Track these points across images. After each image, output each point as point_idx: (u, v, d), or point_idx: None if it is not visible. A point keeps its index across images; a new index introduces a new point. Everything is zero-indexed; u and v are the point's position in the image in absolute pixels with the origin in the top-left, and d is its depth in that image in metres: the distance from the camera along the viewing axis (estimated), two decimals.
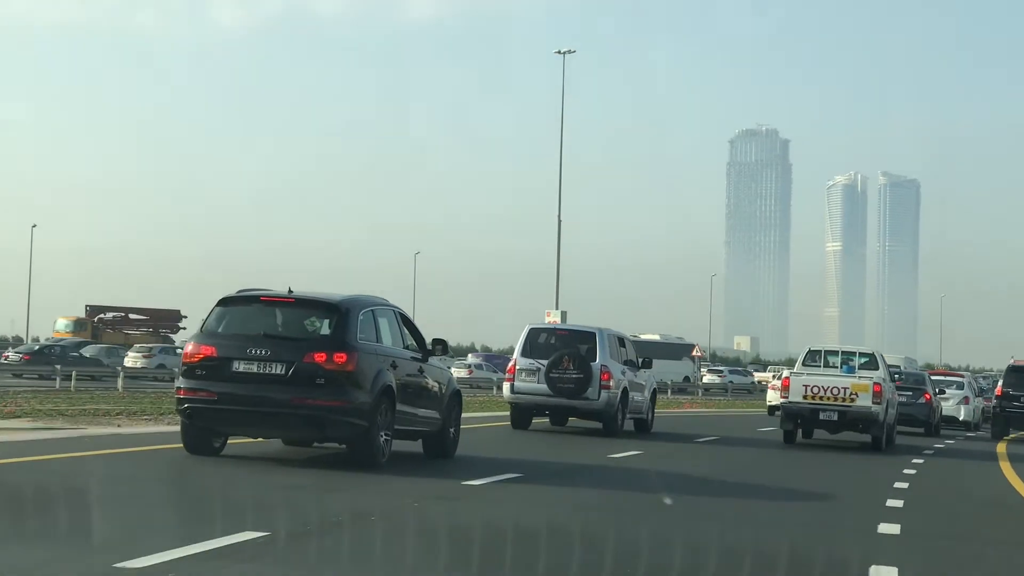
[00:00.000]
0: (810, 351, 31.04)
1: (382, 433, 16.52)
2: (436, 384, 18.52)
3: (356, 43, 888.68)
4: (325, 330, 16.46)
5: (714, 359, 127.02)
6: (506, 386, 28.77)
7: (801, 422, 28.49)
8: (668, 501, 14.80)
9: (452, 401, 19.01)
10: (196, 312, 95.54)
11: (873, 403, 27.72)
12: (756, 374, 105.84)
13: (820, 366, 30.26)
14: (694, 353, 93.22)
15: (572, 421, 30.17)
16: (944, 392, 43.81)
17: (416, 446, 19.05)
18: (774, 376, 50.21)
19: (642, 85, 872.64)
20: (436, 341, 18.50)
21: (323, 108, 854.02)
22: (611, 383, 27.77)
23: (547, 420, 29.85)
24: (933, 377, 43.56)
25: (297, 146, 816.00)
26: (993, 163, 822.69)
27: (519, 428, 28.22)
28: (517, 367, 28.34)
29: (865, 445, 29.12)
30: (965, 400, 45.79)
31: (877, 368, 29.73)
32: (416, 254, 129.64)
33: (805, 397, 28.01)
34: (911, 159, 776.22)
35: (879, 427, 28.05)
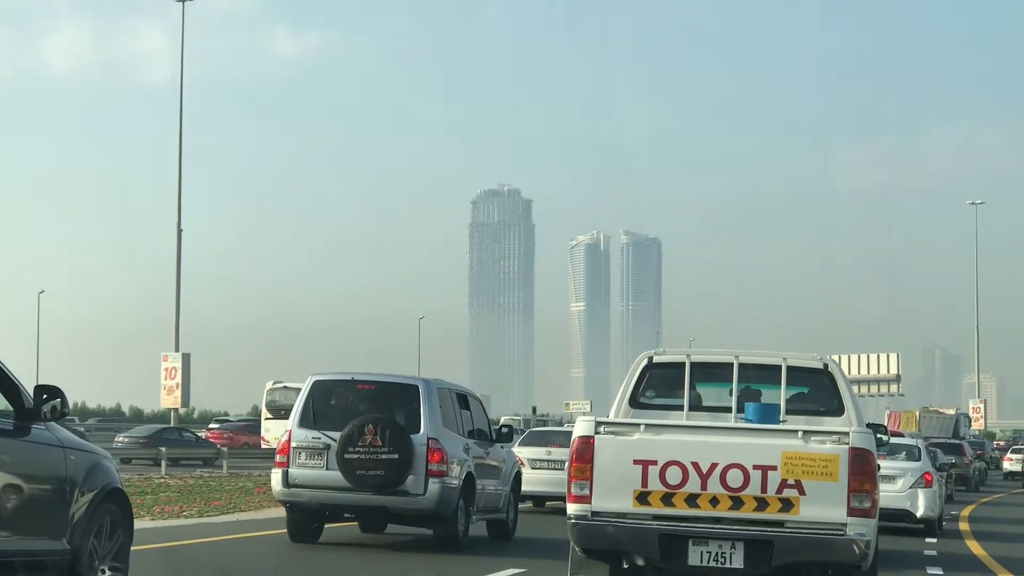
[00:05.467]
0: (651, 364, 12.67)
1: None
2: (53, 478, 9.55)
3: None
4: None
5: None
6: (275, 475, 17.90)
7: (629, 572, 11.08)
8: None
9: (99, 511, 9.94)
10: None
11: (852, 512, 10.44)
12: None
13: (679, 407, 12.36)
14: None
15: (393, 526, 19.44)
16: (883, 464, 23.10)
17: None
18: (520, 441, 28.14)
19: (381, 143, 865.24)
20: (42, 389, 9.50)
21: None
22: (446, 467, 17.68)
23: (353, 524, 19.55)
24: None
25: None
26: (729, 222, 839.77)
27: (300, 541, 18.05)
28: (292, 444, 17.80)
29: None
30: (925, 480, 25.45)
31: (840, 409, 12.33)
32: (40, 292, 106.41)
33: (644, 499, 10.41)
34: (652, 218, 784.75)
35: None
